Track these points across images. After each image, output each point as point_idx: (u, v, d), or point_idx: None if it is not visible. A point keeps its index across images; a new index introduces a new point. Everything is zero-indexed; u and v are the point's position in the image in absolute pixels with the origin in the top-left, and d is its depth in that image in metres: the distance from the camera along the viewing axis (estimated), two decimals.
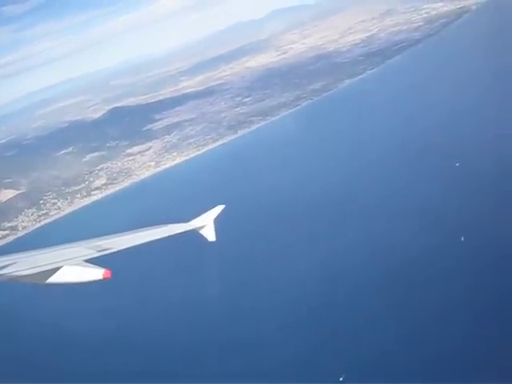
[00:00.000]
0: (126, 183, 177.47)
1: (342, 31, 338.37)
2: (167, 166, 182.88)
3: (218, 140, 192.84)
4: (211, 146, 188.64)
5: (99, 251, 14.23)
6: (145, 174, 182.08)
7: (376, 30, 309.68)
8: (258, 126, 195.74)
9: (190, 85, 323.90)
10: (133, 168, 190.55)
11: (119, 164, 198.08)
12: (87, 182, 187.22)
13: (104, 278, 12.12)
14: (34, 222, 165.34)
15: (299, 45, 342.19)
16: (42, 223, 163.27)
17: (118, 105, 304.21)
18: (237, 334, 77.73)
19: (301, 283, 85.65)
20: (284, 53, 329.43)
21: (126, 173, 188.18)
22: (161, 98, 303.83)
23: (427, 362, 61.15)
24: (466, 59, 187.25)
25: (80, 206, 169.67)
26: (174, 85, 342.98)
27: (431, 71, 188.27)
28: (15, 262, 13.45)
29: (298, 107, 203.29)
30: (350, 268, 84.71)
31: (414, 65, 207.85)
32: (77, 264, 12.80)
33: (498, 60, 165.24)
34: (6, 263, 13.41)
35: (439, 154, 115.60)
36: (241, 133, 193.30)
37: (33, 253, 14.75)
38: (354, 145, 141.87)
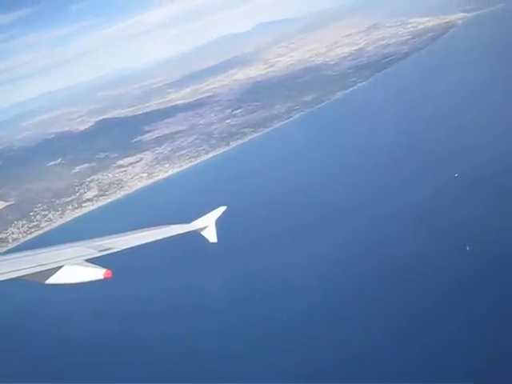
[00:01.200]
0: (119, 195, 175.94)
1: (329, 44, 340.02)
2: (160, 177, 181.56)
3: (210, 152, 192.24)
4: (204, 158, 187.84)
5: (100, 251, 14.19)
6: (137, 185, 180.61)
7: (363, 43, 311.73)
8: (250, 137, 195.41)
9: (177, 97, 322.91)
10: (125, 179, 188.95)
11: (110, 176, 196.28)
12: (78, 194, 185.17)
13: (105, 278, 12.05)
14: (24, 234, 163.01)
15: (287, 58, 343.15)
16: (34, 235, 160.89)
17: (105, 116, 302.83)
18: (238, 335, 78.59)
19: (300, 286, 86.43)
20: (272, 65, 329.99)
21: (117, 184, 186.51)
22: (148, 109, 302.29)
23: (429, 361, 61.70)
24: (455, 72, 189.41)
25: (72, 218, 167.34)
26: (161, 97, 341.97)
27: (422, 84, 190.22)
28: (15, 261, 13.38)
29: (291, 119, 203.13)
30: (351, 275, 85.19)
31: (405, 77, 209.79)
32: (78, 264, 12.77)
33: (487, 72, 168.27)
34: (7, 262, 13.37)
35: (434, 164, 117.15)
36: (233, 144, 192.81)
37: (33, 252, 14.60)
38: (349, 155, 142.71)
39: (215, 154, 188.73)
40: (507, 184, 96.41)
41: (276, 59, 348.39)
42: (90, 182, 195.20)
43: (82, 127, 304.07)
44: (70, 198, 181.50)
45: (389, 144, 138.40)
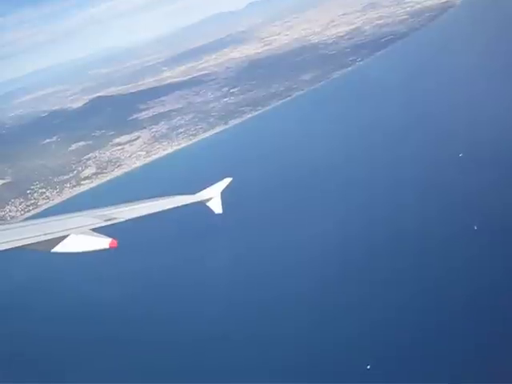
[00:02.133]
0: (117, 173, 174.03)
1: (325, 23, 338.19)
2: (159, 155, 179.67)
3: (209, 130, 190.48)
4: (203, 136, 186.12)
5: (106, 220, 13.95)
6: (136, 163, 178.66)
7: (360, 22, 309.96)
8: (249, 115, 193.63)
9: (172, 75, 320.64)
10: (122, 157, 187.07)
11: (108, 153, 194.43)
12: (76, 172, 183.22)
13: (110, 248, 11.92)
14: (22, 212, 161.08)
15: (282, 36, 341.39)
16: (32, 213, 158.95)
17: (99, 94, 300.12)
18: (239, 311, 78.12)
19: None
20: (268, 44, 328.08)
21: (115, 162, 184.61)
22: (143, 87, 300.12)
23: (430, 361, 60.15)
24: (455, 52, 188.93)
25: (70, 196, 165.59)
26: (155, 75, 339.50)
27: (421, 63, 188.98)
28: (20, 230, 13.33)
29: (290, 97, 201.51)
30: (351, 250, 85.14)
31: (404, 57, 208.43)
32: (83, 233, 12.62)
33: (487, 52, 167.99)
34: (11, 231, 13.36)
35: (436, 143, 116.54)
36: (232, 123, 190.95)
37: (38, 221, 14.56)
38: (350, 135, 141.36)
39: (214, 132, 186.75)
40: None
41: (272, 37, 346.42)
42: (87, 159, 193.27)
43: (75, 105, 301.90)
44: (67, 176, 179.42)
45: (389, 123, 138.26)
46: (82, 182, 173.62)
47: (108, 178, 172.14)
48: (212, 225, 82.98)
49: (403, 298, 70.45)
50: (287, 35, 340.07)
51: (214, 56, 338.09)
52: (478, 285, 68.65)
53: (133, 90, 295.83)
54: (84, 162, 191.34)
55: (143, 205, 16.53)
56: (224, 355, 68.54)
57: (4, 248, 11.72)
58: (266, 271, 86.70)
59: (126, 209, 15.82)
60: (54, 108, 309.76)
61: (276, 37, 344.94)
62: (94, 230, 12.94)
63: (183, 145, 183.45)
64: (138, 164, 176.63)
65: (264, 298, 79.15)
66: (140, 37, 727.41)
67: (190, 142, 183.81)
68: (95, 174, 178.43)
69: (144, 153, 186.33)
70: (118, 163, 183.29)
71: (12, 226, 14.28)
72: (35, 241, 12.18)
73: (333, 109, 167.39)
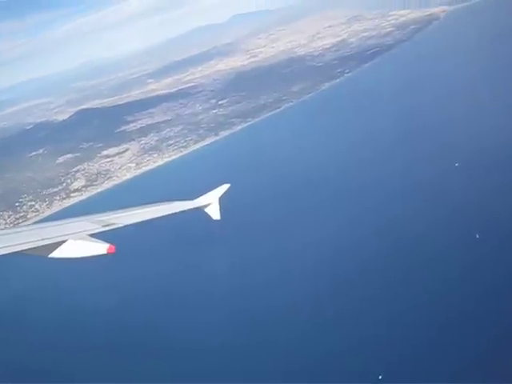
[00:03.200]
0: (108, 185, 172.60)
1: (310, 36, 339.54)
2: (149, 167, 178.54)
3: (199, 141, 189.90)
4: (194, 148, 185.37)
5: (104, 226, 14.04)
6: (126, 175, 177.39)
7: (345, 35, 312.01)
8: (239, 127, 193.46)
9: (158, 87, 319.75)
10: (112, 170, 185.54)
11: (96, 166, 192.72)
12: (65, 184, 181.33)
13: (108, 253, 11.90)
14: (11, 225, 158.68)
15: (268, 48, 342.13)
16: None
17: (85, 107, 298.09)
18: (238, 315, 79.37)
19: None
20: (254, 56, 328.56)
21: (105, 174, 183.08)
22: (129, 100, 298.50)
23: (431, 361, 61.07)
24: (443, 63, 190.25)
25: (60, 208, 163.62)
26: (140, 87, 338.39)
27: (410, 75, 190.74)
28: (18, 235, 13.28)
29: (280, 109, 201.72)
30: (347, 260, 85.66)
31: (392, 69, 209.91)
32: (81, 238, 12.62)
33: (474, 63, 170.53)
34: (9, 236, 13.34)
35: (429, 153, 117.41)
36: (223, 134, 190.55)
37: (35, 227, 14.60)
38: (342, 145, 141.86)
39: (205, 143, 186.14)
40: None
41: (257, 50, 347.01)
42: (75, 172, 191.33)
43: (60, 117, 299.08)
44: (56, 189, 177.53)
45: (381, 134, 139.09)
46: (72, 195, 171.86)
47: (98, 191, 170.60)
48: (210, 231, 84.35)
49: (402, 305, 70.99)
50: (273, 47, 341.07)
51: (199, 68, 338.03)
52: (479, 291, 69.41)
53: (119, 102, 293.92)
54: (73, 175, 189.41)
55: (141, 210, 16.62)
56: (220, 363, 68.94)
57: (2, 253, 11.63)
58: (262, 278, 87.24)
59: (124, 214, 15.81)
60: (39, 120, 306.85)
61: (262, 49, 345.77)
62: (92, 235, 12.94)
63: (174, 156, 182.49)
64: (129, 176, 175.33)
65: (260, 305, 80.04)
66: (124, 49, 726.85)
67: (181, 154, 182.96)
68: (85, 186, 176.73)
69: (134, 165, 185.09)
70: (107, 175, 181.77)
71: (9, 231, 14.24)
72: (33, 246, 12.12)
73: (324, 120, 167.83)
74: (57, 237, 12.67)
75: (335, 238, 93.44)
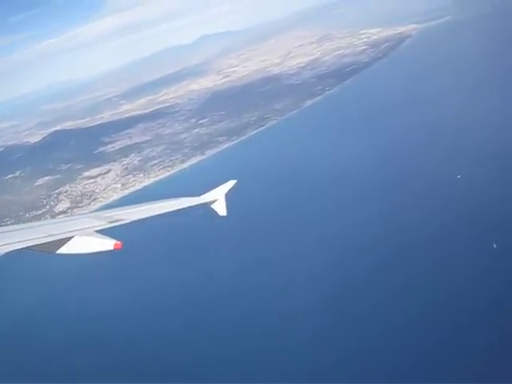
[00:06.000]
0: (94, 206, 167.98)
1: (283, 55, 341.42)
2: (137, 187, 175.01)
3: (186, 161, 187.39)
4: (181, 167, 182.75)
5: (110, 222, 14.15)
6: (113, 196, 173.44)
7: (318, 53, 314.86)
8: (226, 145, 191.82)
9: (132, 108, 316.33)
10: (97, 191, 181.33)
11: (79, 187, 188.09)
12: (48, 207, 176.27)
13: (115, 249, 11.97)
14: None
15: (241, 68, 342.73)
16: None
17: (57, 128, 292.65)
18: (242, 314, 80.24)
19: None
20: (227, 76, 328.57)
21: (90, 196, 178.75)
22: (102, 121, 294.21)
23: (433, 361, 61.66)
24: (423, 79, 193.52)
25: None
26: (113, 108, 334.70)
27: (392, 90, 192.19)
28: (24, 232, 13.44)
29: (264, 127, 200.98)
30: (342, 273, 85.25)
31: (375, 84, 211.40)
32: (88, 234, 12.73)
33: (453, 77, 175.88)
34: (15, 232, 13.52)
35: (420, 167, 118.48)
36: (209, 153, 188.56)
37: (41, 223, 14.85)
38: (334, 160, 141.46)
39: (191, 162, 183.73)
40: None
41: (230, 69, 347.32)
42: (58, 194, 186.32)
43: (32, 140, 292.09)
44: (40, 211, 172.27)
45: (370, 149, 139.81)
46: (58, 217, 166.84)
47: (85, 212, 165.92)
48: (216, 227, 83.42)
49: (405, 308, 71.49)
50: (245, 67, 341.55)
51: (173, 88, 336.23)
52: (479, 290, 70.54)
53: (92, 124, 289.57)
54: (55, 197, 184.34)
55: (148, 206, 16.73)
56: (223, 364, 69.52)
57: (11, 249, 11.82)
58: (264, 279, 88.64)
59: (131, 210, 15.95)
60: (9, 143, 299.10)
61: (234, 68, 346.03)
62: (99, 231, 13.03)
63: (161, 176, 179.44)
64: (116, 197, 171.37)
65: (261, 306, 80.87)
66: (90, 71, 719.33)
67: (168, 173, 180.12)
68: (70, 208, 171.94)
69: (119, 185, 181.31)
70: (93, 196, 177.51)
71: (16, 227, 14.42)
72: (41, 242, 12.23)
73: (312, 136, 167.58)
74: (64, 233, 12.74)
75: (332, 253, 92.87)
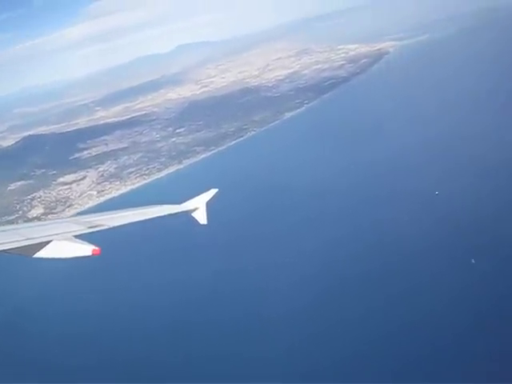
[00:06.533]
0: (69, 213, 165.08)
1: (261, 67, 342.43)
2: (113, 194, 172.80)
3: (163, 169, 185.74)
4: (158, 176, 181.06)
5: (90, 227, 14.07)
6: (88, 203, 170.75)
7: (297, 67, 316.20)
8: (203, 155, 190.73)
9: (108, 115, 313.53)
10: (72, 197, 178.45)
11: (54, 193, 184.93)
12: (21, 212, 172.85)
13: (93, 255, 11.89)
14: None
15: (219, 79, 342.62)
16: None
17: (31, 133, 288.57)
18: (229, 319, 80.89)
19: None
20: (205, 86, 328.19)
21: (65, 202, 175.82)
22: (77, 127, 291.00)
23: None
24: (402, 94, 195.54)
25: None
26: (88, 114, 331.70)
27: (371, 105, 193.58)
28: (3, 234, 13.18)
29: (243, 138, 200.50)
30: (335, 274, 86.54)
31: (353, 99, 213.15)
32: (66, 239, 12.60)
33: (433, 92, 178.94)
34: None
35: (401, 181, 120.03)
36: (186, 162, 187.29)
37: (19, 226, 14.73)
38: (313, 173, 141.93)
39: (169, 171, 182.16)
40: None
41: (208, 80, 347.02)
42: (31, 199, 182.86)
43: (4, 143, 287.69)
44: (13, 217, 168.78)
45: (348, 162, 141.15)
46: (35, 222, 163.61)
47: (64, 217, 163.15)
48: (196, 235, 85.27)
49: (401, 310, 72.94)
50: (223, 78, 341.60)
51: (149, 97, 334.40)
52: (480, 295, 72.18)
53: (67, 130, 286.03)
54: (29, 202, 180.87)
55: (128, 213, 16.55)
56: (210, 369, 69.70)
57: None
58: (245, 286, 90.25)
59: (111, 216, 15.81)
60: None
61: (212, 79, 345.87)
62: (78, 236, 12.87)
63: (138, 184, 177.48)
64: (92, 204, 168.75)
65: (244, 312, 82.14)
66: (65, 76, 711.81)
67: (145, 181, 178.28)
68: (44, 214, 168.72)
69: (95, 192, 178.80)
70: (67, 203, 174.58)
71: None
72: (18, 245, 12.02)
73: (291, 148, 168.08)
74: (42, 237, 12.53)
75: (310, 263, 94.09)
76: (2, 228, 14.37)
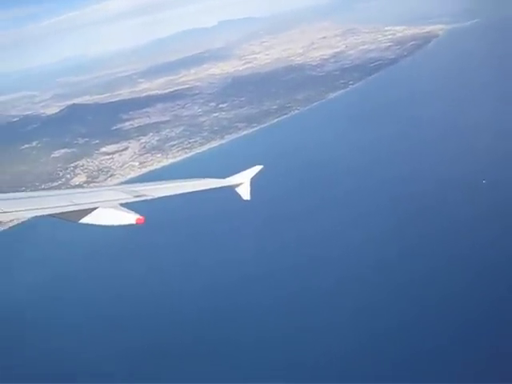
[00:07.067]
0: (111, 182, 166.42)
1: (306, 46, 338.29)
2: (155, 167, 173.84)
3: (205, 144, 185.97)
4: (200, 150, 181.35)
5: (136, 196, 14.21)
6: (130, 173, 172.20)
7: (343, 46, 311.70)
8: (245, 132, 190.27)
9: (151, 87, 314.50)
10: (114, 167, 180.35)
11: (96, 162, 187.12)
12: (64, 179, 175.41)
13: (137, 224, 12.03)
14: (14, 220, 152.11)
15: (263, 55, 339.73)
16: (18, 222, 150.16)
17: (74, 102, 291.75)
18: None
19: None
20: (248, 62, 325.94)
21: (106, 172, 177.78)
22: (120, 98, 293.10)
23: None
24: (449, 79, 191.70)
25: None
26: (131, 86, 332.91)
27: (418, 89, 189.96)
28: (50, 199, 13.61)
29: (285, 116, 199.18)
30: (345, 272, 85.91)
31: (399, 82, 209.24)
32: (112, 207, 12.76)
33: (480, 80, 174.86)
34: (40, 199, 13.70)
35: (432, 165, 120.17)
36: (228, 138, 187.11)
37: (67, 191, 15.40)
38: (351, 155, 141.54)
39: (211, 146, 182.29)
40: None
41: (251, 56, 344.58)
42: (74, 167, 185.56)
43: (48, 111, 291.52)
44: (56, 183, 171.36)
45: (388, 147, 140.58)
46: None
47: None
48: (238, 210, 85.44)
49: (402, 307, 72.79)
50: (267, 55, 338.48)
51: (192, 71, 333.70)
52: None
53: (110, 100, 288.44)
54: (72, 170, 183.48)
55: (173, 184, 17.02)
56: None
57: (36, 214, 12.17)
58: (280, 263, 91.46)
59: (156, 187, 16.03)
60: (25, 113, 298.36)
61: (256, 55, 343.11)
62: (123, 205, 13.04)
63: (179, 157, 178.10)
64: (133, 175, 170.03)
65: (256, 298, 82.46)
66: (109, 47, 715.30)
67: (186, 155, 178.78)
68: (86, 182, 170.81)
69: (137, 163, 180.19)
70: (109, 173, 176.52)
71: (42, 193, 14.49)
72: (65, 210, 12.35)
73: (334, 129, 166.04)
74: (88, 203, 12.81)
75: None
76: (49, 192, 14.60)
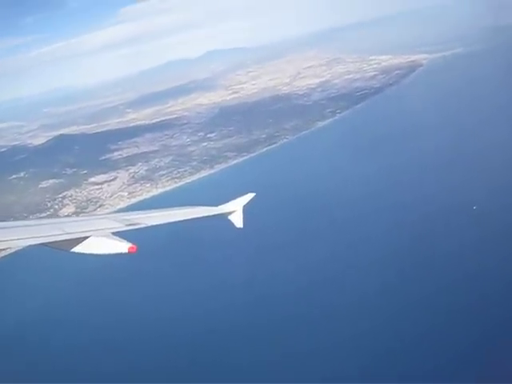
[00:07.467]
0: (100, 213, 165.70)
1: (292, 75, 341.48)
2: (144, 197, 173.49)
3: (194, 173, 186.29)
4: (189, 180, 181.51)
5: (128, 225, 14.22)
6: (120, 204, 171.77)
7: (328, 76, 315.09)
8: (235, 161, 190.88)
9: (138, 117, 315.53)
10: (103, 197, 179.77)
11: (85, 193, 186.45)
12: (53, 210, 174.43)
13: (129, 253, 12.01)
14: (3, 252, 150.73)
15: (249, 85, 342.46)
16: (10, 251, 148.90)
17: (62, 132, 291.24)
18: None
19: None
20: (235, 92, 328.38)
21: (95, 202, 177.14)
22: (108, 128, 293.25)
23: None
24: (436, 108, 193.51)
25: None
26: (119, 116, 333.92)
27: (406, 117, 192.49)
28: (41, 228, 13.59)
29: (275, 145, 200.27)
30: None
31: (387, 110, 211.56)
32: (104, 236, 12.77)
33: (468, 108, 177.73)
34: (32, 228, 13.83)
35: (421, 197, 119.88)
36: (218, 167, 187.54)
37: (58, 220, 15.06)
38: (343, 182, 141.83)
39: (200, 176, 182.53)
40: None
41: (238, 86, 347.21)
42: (62, 198, 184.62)
43: (36, 142, 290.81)
44: (45, 214, 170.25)
45: (378, 176, 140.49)
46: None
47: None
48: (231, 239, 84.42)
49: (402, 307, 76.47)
50: (254, 84, 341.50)
51: (180, 101, 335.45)
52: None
53: (98, 130, 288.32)
54: (60, 200, 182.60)
55: (166, 212, 16.96)
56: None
57: (27, 244, 12.19)
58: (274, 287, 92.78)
59: (149, 215, 16.09)
60: (12, 143, 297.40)
61: (243, 85, 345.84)
62: (115, 233, 13.05)
63: (169, 187, 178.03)
64: (123, 205, 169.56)
65: (272, 314, 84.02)
66: (96, 78, 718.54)
67: (176, 185, 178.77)
68: (75, 212, 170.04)
69: (126, 193, 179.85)
70: (98, 203, 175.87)
71: (32, 222, 15.05)
72: (57, 239, 12.31)
73: (323, 157, 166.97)
74: (80, 232, 12.81)
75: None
76: (41, 221, 14.80)
